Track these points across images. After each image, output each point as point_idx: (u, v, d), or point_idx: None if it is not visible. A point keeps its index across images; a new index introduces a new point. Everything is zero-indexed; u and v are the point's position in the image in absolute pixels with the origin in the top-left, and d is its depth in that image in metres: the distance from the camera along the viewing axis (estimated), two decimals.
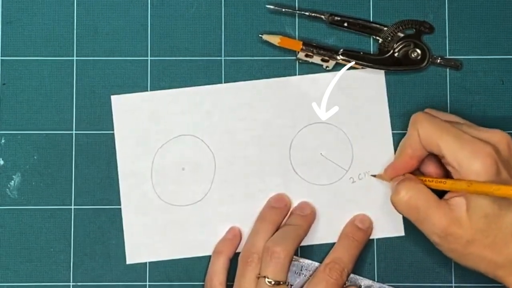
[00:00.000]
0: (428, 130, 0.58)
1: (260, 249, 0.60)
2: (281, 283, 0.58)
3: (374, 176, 0.64)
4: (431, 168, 0.61)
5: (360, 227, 0.63)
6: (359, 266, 0.64)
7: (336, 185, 0.65)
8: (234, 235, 0.63)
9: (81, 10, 0.66)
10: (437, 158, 0.60)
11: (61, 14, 0.65)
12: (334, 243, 0.64)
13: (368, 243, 0.64)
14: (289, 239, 0.60)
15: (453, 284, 0.64)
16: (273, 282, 0.58)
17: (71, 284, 0.64)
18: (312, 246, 0.64)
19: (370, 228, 0.63)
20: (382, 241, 0.64)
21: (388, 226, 0.64)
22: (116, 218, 0.64)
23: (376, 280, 0.64)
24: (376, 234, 0.64)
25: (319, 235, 0.64)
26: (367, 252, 0.64)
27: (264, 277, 0.58)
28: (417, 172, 0.61)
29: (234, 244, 0.63)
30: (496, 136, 0.57)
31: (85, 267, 0.64)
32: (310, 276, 0.62)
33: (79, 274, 0.64)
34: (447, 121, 0.58)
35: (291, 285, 0.61)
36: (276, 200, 0.64)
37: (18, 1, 0.66)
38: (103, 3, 0.66)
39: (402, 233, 0.64)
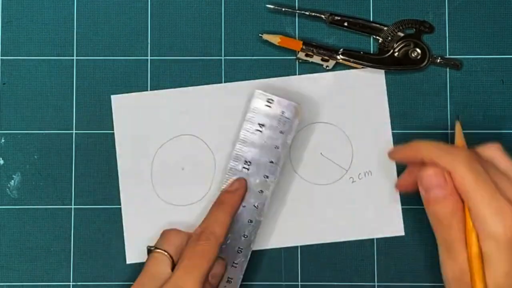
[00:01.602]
0: (464, 174, 0.53)
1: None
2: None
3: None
4: None
5: (228, 190, 0.61)
6: (359, 266, 0.64)
7: (336, 185, 0.65)
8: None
9: (81, 10, 0.66)
10: None
11: (61, 14, 0.66)
12: (334, 243, 0.64)
13: (368, 243, 0.64)
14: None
15: None
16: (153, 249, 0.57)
17: (71, 284, 0.64)
18: (312, 246, 0.64)
19: (240, 189, 0.60)
20: (382, 241, 0.64)
21: (388, 226, 0.64)
22: (116, 218, 0.64)
23: (376, 280, 0.64)
24: (376, 234, 0.64)
25: (319, 236, 0.64)
26: (367, 252, 0.64)
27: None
28: None
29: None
30: None
31: (85, 267, 0.64)
32: None
33: (79, 274, 0.64)
34: (485, 171, 0.54)
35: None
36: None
37: (18, 1, 0.66)
38: (103, 3, 0.66)
39: (402, 233, 0.64)
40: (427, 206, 0.55)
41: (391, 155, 0.61)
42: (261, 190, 0.61)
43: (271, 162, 0.61)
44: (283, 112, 0.61)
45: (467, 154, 0.54)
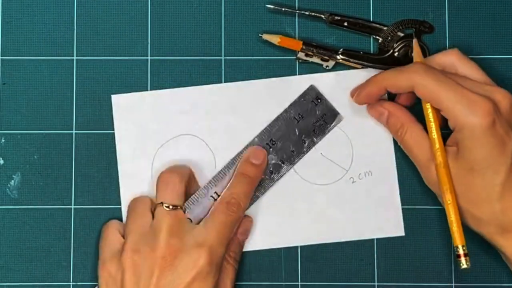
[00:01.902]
0: (426, 83, 0.58)
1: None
2: (178, 207, 0.59)
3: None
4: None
5: (254, 163, 0.63)
6: (359, 266, 0.64)
7: (336, 185, 0.65)
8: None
9: (81, 10, 0.66)
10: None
11: (61, 14, 0.66)
12: (334, 243, 0.64)
13: (368, 243, 0.64)
14: (182, 168, 0.62)
15: (453, 284, 0.64)
16: (170, 207, 0.59)
17: (71, 284, 0.64)
18: (312, 246, 0.64)
19: (264, 162, 0.63)
20: (382, 241, 0.64)
21: (388, 226, 0.64)
22: (116, 218, 0.64)
23: (376, 280, 0.64)
24: (376, 234, 0.64)
25: (319, 236, 0.64)
26: (367, 252, 0.64)
27: (161, 203, 0.59)
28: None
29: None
30: (499, 94, 0.58)
31: (85, 267, 0.64)
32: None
33: (79, 274, 0.64)
34: (445, 75, 0.58)
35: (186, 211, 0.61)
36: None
37: (18, 1, 0.66)
38: (103, 3, 0.66)
39: (402, 233, 0.64)
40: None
41: (356, 98, 0.63)
42: (272, 171, 0.64)
43: (292, 151, 0.64)
44: (324, 115, 0.64)
45: (422, 65, 0.59)
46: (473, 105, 0.56)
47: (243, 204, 0.61)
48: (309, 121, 0.64)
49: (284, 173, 0.64)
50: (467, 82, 0.58)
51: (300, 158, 0.64)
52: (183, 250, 0.57)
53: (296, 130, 0.64)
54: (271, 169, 0.64)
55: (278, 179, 0.64)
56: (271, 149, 0.64)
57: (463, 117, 0.56)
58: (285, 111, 0.64)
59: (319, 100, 0.64)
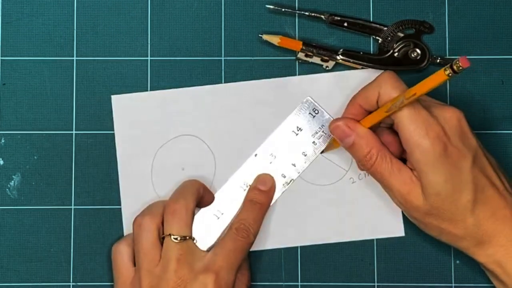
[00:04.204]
0: (390, 94, 0.57)
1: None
2: (187, 238, 0.59)
3: (322, 152, 0.64)
4: (387, 139, 0.60)
5: (262, 190, 0.63)
6: (359, 266, 0.64)
7: (336, 185, 0.65)
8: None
9: (81, 10, 0.66)
10: (393, 130, 0.60)
11: (61, 14, 0.65)
12: (334, 243, 0.64)
13: (368, 243, 0.64)
14: (189, 194, 0.61)
15: (453, 284, 0.64)
16: (179, 238, 0.59)
17: (71, 284, 0.64)
18: (312, 246, 0.64)
19: (272, 188, 0.64)
20: (382, 241, 0.64)
21: (388, 226, 0.64)
22: (116, 218, 0.64)
23: (376, 280, 0.64)
24: (376, 234, 0.64)
25: (319, 236, 0.64)
26: (367, 252, 0.64)
27: (170, 235, 0.59)
28: None
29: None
30: (448, 113, 0.57)
31: (85, 267, 0.64)
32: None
33: (79, 274, 0.64)
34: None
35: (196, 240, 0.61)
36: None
37: (18, 1, 0.66)
38: (103, 3, 0.66)
39: (402, 233, 0.64)
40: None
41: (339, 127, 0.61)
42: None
43: (293, 165, 0.64)
44: (322, 126, 0.64)
45: (391, 74, 0.59)
46: (428, 128, 0.56)
47: (253, 230, 0.61)
48: (307, 134, 0.64)
49: (286, 188, 0.64)
50: (425, 101, 0.58)
51: (301, 173, 0.64)
52: (192, 278, 0.58)
53: (296, 143, 0.64)
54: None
55: (279, 195, 0.64)
56: (271, 164, 0.64)
57: (416, 138, 0.56)
58: (283, 125, 0.64)
59: (317, 112, 0.64)
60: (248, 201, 0.63)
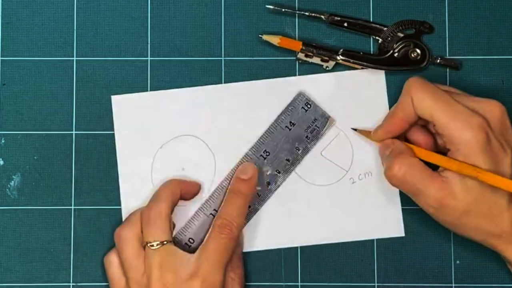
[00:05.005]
0: (422, 97, 0.58)
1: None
2: (165, 242, 0.59)
3: (355, 129, 0.64)
4: (419, 136, 0.61)
5: (243, 179, 0.62)
6: (359, 266, 0.64)
7: (336, 186, 0.65)
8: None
9: (81, 10, 0.66)
10: (426, 127, 0.61)
11: (61, 14, 0.65)
12: (334, 243, 0.64)
13: (368, 244, 0.64)
14: (162, 199, 0.60)
15: (453, 284, 0.64)
16: (156, 245, 0.59)
17: (71, 284, 0.64)
18: (312, 246, 0.64)
19: (254, 176, 0.62)
20: (382, 241, 0.64)
21: (388, 226, 0.64)
22: (116, 218, 0.64)
23: (376, 280, 0.64)
24: (376, 234, 0.64)
25: (319, 236, 0.64)
26: (367, 252, 0.64)
27: (147, 243, 0.59)
28: (404, 140, 0.62)
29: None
30: (490, 106, 0.58)
31: (85, 267, 0.64)
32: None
33: (79, 274, 0.64)
34: (441, 90, 0.59)
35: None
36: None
37: (18, 1, 0.66)
38: (103, 3, 0.66)
39: (402, 233, 0.64)
40: (392, 181, 0.60)
41: (373, 135, 0.63)
42: (269, 182, 0.64)
43: (287, 160, 0.64)
44: (315, 120, 0.64)
45: (418, 79, 0.59)
46: (468, 120, 0.56)
47: (236, 223, 0.60)
48: (301, 128, 0.64)
49: (281, 183, 0.64)
50: (461, 96, 0.59)
51: (296, 166, 0.64)
52: (178, 284, 0.58)
53: (289, 138, 0.64)
54: (268, 180, 0.64)
55: (276, 189, 0.64)
56: (266, 160, 0.64)
57: (459, 133, 0.56)
58: (276, 120, 0.64)
59: (309, 106, 0.64)
60: (230, 192, 0.62)
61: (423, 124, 0.61)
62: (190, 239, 0.62)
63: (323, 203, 0.64)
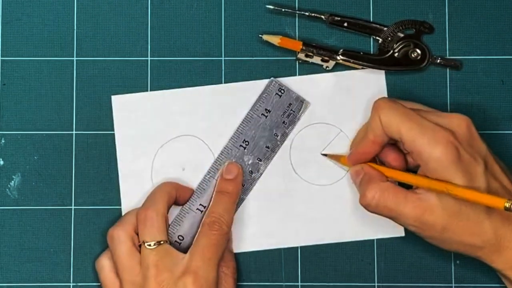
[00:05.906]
0: (389, 117, 0.58)
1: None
2: (162, 242, 0.59)
3: (325, 155, 0.64)
4: (390, 155, 0.61)
5: (228, 179, 0.63)
6: (359, 266, 0.64)
7: (336, 185, 0.65)
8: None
9: (81, 10, 0.66)
10: (396, 146, 0.60)
11: (61, 14, 0.65)
12: (334, 244, 0.64)
13: (368, 244, 0.64)
14: (159, 199, 0.61)
15: (453, 284, 0.64)
16: (152, 244, 0.59)
17: (71, 284, 0.64)
18: (312, 246, 0.64)
19: (239, 175, 0.63)
20: (382, 241, 0.64)
21: (388, 226, 0.64)
22: (116, 218, 0.64)
23: (376, 280, 0.64)
24: (376, 234, 0.64)
25: (318, 236, 0.64)
26: (367, 252, 0.64)
27: (144, 242, 0.59)
28: (373, 160, 0.62)
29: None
30: (456, 120, 0.58)
31: (85, 267, 0.64)
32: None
33: (79, 274, 0.64)
34: (409, 108, 0.58)
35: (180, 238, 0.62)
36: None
37: (18, 1, 0.66)
38: (103, 3, 0.66)
39: (402, 233, 0.64)
40: (368, 208, 0.60)
41: (348, 160, 0.63)
42: (251, 171, 0.64)
43: (267, 147, 0.64)
44: (290, 104, 0.64)
45: (385, 99, 0.59)
46: (435, 136, 0.56)
47: (225, 220, 0.61)
48: (277, 114, 0.64)
49: (264, 170, 0.64)
50: (428, 113, 0.59)
51: (276, 153, 0.64)
52: (172, 282, 0.58)
53: (267, 125, 0.64)
54: (250, 169, 0.64)
55: (259, 177, 0.64)
56: (246, 150, 0.64)
57: (427, 149, 0.56)
58: (252, 109, 0.64)
59: (283, 91, 0.64)
60: (217, 193, 0.63)
61: (393, 143, 0.61)
62: (180, 237, 0.62)
63: (323, 203, 0.64)
